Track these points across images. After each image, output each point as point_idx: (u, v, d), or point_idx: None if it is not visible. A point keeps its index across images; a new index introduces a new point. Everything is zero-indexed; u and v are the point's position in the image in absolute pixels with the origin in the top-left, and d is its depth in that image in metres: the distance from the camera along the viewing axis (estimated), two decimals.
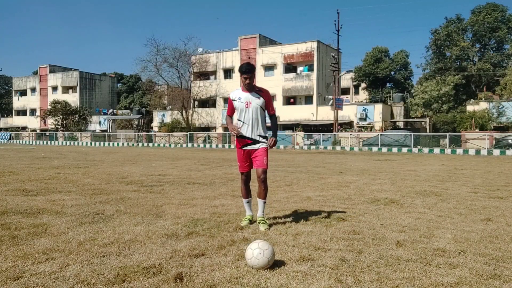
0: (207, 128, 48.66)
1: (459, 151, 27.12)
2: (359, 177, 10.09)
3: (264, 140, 4.59)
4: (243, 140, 4.59)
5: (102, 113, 61.84)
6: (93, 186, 7.82)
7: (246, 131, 4.55)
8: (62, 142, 47.54)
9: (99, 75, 69.73)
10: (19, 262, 3.25)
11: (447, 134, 30.75)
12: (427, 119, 41.51)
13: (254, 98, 4.51)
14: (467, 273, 3.11)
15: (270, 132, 4.70)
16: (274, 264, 3.26)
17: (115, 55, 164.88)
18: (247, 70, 4.47)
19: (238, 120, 4.59)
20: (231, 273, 3.07)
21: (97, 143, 44.68)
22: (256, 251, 3.19)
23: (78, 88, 64.75)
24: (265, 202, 4.65)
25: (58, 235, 4.09)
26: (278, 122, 44.93)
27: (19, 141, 52.28)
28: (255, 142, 4.56)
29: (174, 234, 4.18)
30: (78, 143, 46.50)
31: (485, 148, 27.13)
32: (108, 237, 4.06)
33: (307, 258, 3.43)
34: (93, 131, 53.40)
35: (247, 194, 4.74)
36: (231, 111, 4.70)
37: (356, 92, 55.82)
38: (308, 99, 44.90)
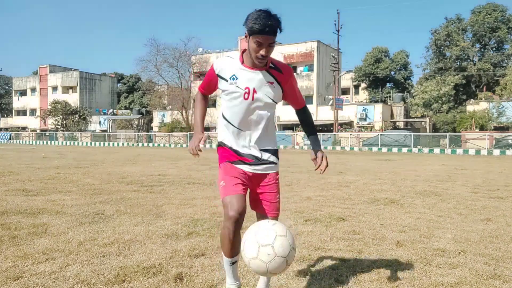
0: (207, 128, 48.66)
1: (459, 151, 27.12)
2: (359, 177, 10.09)
3: (275, 159, 2.48)
4: (232, 153, 2.45)
5: (102, 113, 61.85)
6: (93, 186, 7.82)
7: (241, 143, 2.42)
8: (62, 142, 47.53)
9: (99, 75, 69.74)
10: (19, 262, 3.25)
11: (447, 134, 30.77)
12: (427, 119, 41.54)
13: (264, 84, 2.33)
14: (467, 273, 3.11)
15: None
16: None
17: (115, 55, 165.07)
18: (272, 28, 2.16)
19: (224, 119, 2.46)
20: None
21: (97, 143, 44.67)
22: (266, 251, 1.99)
23: (78, 88, 64.77)
24: None
25: (58, 235, 4.09)
26: (278, 122, 45.37)
27: (19, 141, 52.26)
28: (259, 161, 2.43)
29: (174, 234, 4.18)
30: (78, 143, 46.48)
31: (485, 148, 27.12)
32: (108, 237, 4.05)
33: (307, 258, 3.43)
34: (93, 131, 53.40)
35: (235, 248, 2.38)
36: (209, 88, 2.55)
37: (356, 92, 55.81)
38: (308, 99, 44.88)
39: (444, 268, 3.24)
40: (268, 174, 2.45)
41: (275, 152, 2.49)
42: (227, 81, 2.35)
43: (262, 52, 2.21)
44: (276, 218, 2.47)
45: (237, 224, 2.33)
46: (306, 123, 2.57)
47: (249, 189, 2.47)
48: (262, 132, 2.41)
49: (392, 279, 2.99)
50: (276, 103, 2.44)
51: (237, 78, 2.32)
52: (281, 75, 2.37)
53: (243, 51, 2.34)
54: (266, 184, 2.45)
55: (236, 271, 2.50)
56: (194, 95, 2.46)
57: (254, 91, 2.32)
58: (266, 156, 2.44)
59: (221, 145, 2.51)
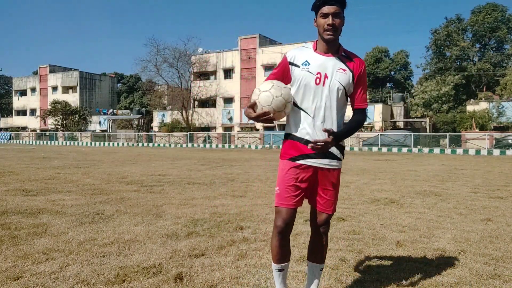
0: (207, 128, 48.66)
1: (459, 151, 27.12)
2: (359, 177, 10.09)
3: (340, 155, 2.44)
4: (298, 146, 2.34)
5: (102, 113, 61.86)
6: (93, 186, 7.82)
7: (309, 130, 2.32)
8: (62, 142, 47.54)
9: (99, 75, 69.76)
10: (19, 262, 3.25)
11: (447, 134, 30.78)
12: (427, 119, 41.56)
13: (335, 69, 2.31)
14: (467, 273, 3.11)
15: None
16: None
17: (115, 55, 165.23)
18: None
19: (296, 106, 2.36)
20: (231, 273, 3.07)
21: (97, 143, 44.68)
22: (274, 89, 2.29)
23: (78, 88, 64.77)
24: (322, 270, 2.58)
25: (58, 235, 4.09)
26: (278, 123, 45.33)
27: (19, 141, 52.27)
28: (324, 154, 2.35)
29: (174, 234, 4.18)
30: (78, 143, 46.49)
31: (485, 148, 27.13)
32: (108, 237, 4.06)
33: None
34: (93, 131, 53.41)
35: (285, 255, 2.42)
36: (279, 79, 2.39)
37: None
38: None
39: (444, 268, 3.24)
40: (332, 170, 2.38)
41: (341, 148, 2.44)
42: (299, 67, 2.33)
43: (329, 21, 2.23)
44: (331, 216, 2.46)
45: (283, 234, 2.36)
46: (353, 120, 2.43)
47: (309, 185, 2.38)
48: (333, 122, 2.35)
49: (392, 279, 2.99)
50: (348, 95, 2.39)
51: (309, 64, 2.32)
52: (353, 63, 2.36)
53: (317, 41, 2.38)
54: (330, 180, 2.38)
55: (284, 280, 2.46)
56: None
57: (326, 77, 2.30)
58: (333, 149, 2.36)
59: (286, 138, 2.42)
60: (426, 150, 28.50)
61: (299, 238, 4.08)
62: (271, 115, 2.28)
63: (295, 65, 2.35)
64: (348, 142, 34.47)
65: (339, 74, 2.30)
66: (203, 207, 5.73)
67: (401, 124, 42.84)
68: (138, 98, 67.97)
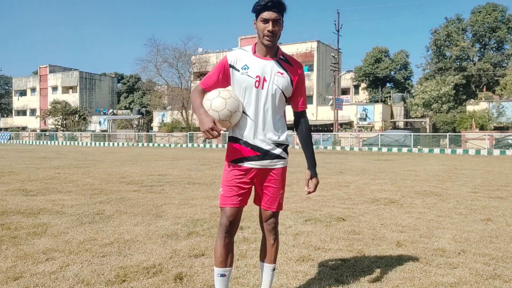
0: None
1: (459, 151, 27.11)
2: (359, 177, 10.09)
3: (283, 153, 2.42)
4: (240, 149, 2.36)
5: (102, 113, 61.86)
6: (93, 186, 7.82)
7: (250, 133, 2.34)
8: (62, 142, 47.52)
9: (99, 75, 69.77)
10: (19, 262, 3.25)
11: (447, 134, 30.77)
12: (427, 119, 41.54)
13: (274, 73, 2.34)
14: (467, 273, 3.11)
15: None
16: None
17: (115, 55, 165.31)
18: (274, 3, 2.23)
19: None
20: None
21: (97, 143, 44.66)
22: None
23: (78, 88, 64.79)
24: (274, 270, 2.56)
25: (58, 235, 4.10)
26: None
27: (19, 141, 52.24)
28: (266, 155, 2.36)
29: (174, 234, 4.18)
30: (78, 143, 46.47)
31: (485, 148, 27.12)
32: (108, 237, 4.06)
33: (307, 258, 3.43)
34: (93, 131, 53.39)
35: (228, 257, 2.38)
36: (214, 82, 2.39)
37: (356, 92, 55.81)
38: (308, 99, 43.88)
39: (444, 268, 3.24)
40: (275, 168, 2.40)
41: (285, 148, 2.44)
42: (239, 71, 2.35)
43: (269, 28, 2.24)
44: (276, 214, 2.46)
45: (227, 233, 2.35)
46: (301, 132, 2.48)
47: (254, 186, 2.43)
48: (273, 124, 2.37)
49: (392, 279, 2.99)
50: (286, 97, 2.41)
51: (248, 68, 2.34)
52: (291, 67, 2.39)
53: (256, 43, 2.41)
54: (271, 178, 2.40)
55: (227, 285, 2.39)
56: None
57: (264, 80, 2.33)
58: (275, 149, 2.38)
59: (230, 140, 2.43)
60: (426, 150, 28.49)
61: (299, 238, 4.08)
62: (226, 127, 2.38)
63: (235, 69, 2.36)
64: (348, 142, 34.46)
65: (277, 78, 2.34)
66: (203, 207, 5.73)
67: (401, 124, 42.84)
68: (138, 98, 67.95)
